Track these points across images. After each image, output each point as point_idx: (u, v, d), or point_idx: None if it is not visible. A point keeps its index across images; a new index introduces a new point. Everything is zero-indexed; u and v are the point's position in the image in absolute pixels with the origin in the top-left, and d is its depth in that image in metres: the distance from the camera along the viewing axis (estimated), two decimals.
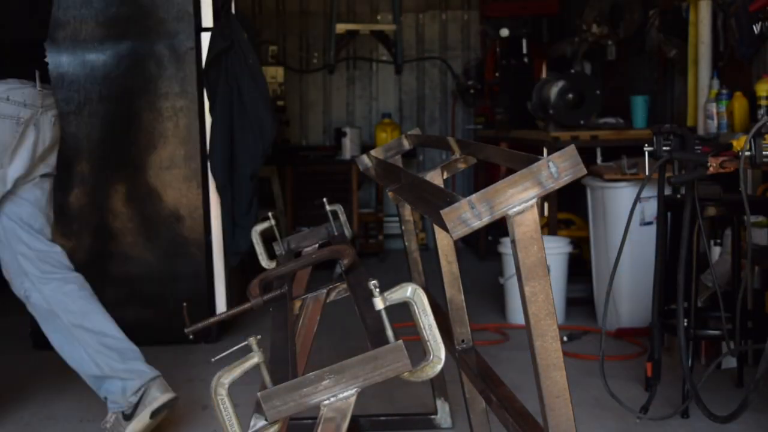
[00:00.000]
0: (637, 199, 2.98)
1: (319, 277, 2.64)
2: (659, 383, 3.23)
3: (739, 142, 2.81)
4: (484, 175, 6.91)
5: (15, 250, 2.85)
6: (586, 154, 4.85)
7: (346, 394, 1.37)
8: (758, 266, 3.66)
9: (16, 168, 2.77)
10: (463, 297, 2.31)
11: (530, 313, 1.36)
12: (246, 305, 2.05)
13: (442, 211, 1.30)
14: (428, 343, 1.45)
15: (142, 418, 2.72)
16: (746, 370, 3.51)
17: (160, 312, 4.21)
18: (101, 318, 2.88)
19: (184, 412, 3.24)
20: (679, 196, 3.39)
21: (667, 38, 4.80)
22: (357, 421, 3.01)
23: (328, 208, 2.29)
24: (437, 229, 2.21)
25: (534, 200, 1.32)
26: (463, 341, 2.32)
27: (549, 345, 1.37)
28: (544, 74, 5.91)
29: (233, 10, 4.32)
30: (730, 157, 2.89)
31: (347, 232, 2.27)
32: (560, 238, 4.78)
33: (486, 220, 1.31)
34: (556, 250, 4.52)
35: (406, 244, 2.92)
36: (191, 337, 1.99)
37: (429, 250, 6.78)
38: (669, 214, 3.47)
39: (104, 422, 2.85)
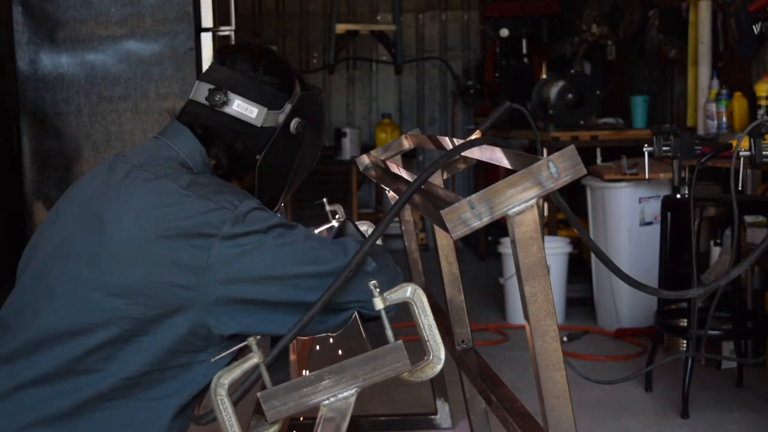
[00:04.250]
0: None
1: None
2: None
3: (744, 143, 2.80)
4: (484, 175, 6.91)
5: None
6: (586, 154, 4.85)
7: (346, 394, 1.37)
8: (758, 266, 3.66)
9: None
10: (463, 297, 2.31)
11: (530, 313, 1.36)
12: None
13: (442, 211, 1.30)
14: (428, 344, 1.44)
15: None
16: (746, 371, 3.51)
17: None
18: None
19: None
20: (679, 196, 3.39)
21: (667, 38, 4.80)
22: (357, 421, 3.01)
23: (328, 208, 2.28)
24: (437, 229, 2.21)
25: (534, 200, 1.32)
26: (463, 341, 2.32)
27: (549, 345, 1.37)
28: (544, 74, 5.91)
29: (232, 10, 4.31)
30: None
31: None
32: (560, 238, 4.78)
33: (486, 220, 1.31)
34: (556, 250, 4.52)
35: (406, 244, 2.92)
36: None
37: (429, 250, 6.78)
38: (669, 214, 3.47)
39: None
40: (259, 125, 1.70)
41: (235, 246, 1.50)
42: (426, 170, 1.54)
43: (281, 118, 1.72)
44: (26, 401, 1.52)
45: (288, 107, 1.74)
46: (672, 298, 3.58)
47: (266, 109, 1.70)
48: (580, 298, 4.80)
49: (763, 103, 3.71)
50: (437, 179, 2.14)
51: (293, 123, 1.74)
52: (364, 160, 2.69)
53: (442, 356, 1.45)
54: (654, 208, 4.22)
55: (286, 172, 1.76)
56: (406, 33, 7.73)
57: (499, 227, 6.35)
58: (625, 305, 4.31)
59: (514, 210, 1.32)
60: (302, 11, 7.83)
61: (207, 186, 1.58)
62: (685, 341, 3.68)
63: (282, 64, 1.77)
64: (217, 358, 1.48)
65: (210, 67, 1.74)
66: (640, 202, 4.28)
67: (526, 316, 1.37)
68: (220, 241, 1.49)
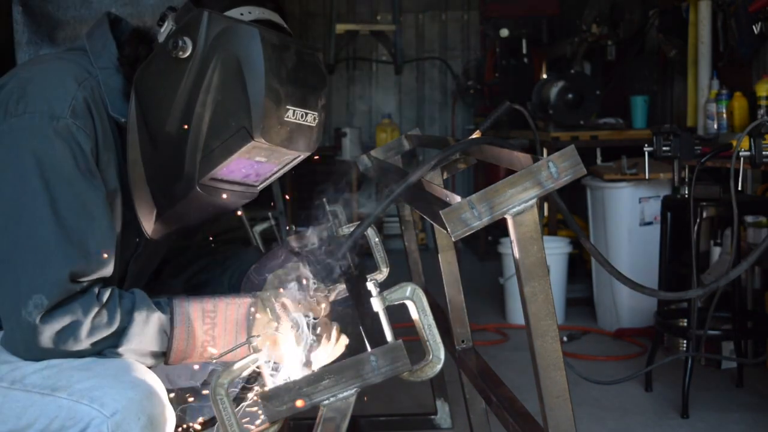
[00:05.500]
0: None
1: None
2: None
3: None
4: (484, 175, 6.91)
5: None
6: (586, 154, 4.85)
7: (345, 394, 1.37)
8: (758, 266, 3.66)
9: None
10: (463, 297, 2.31)
11: (530, 313, 1.36)
12: None
13: (442, 212, 1.29)
14: (428, 344, 1.44)
15: None
16: (746, 371, 3.51)
17: None
18: None
19: None
20: (679, 196, 3.39)
21: (667, 38, 4.80)
22: (357, 421, 3.01)
23: (328, 208, 2.28)
24: (437, 229, 2.21)
25: (534, 200, 1.32)
26: (463, 341, 2.32)
27: (549, 345, 1.37)
28: (544, 74, 5.91)
29: None
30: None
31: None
32: (560, 238, 4.78)
33: (486, 220, 1.31)
34: (556, 250, 4.52)
35: (406, 244, 2.92)
36: None
37: (429, 250, 6.78)
38: (669, 214, 3.47)
39: None
40: (160, 41, 1.51)
41: None
42: (421, 167, 1.54)
43: (162, 32, 1.51)
44: None
45: (170, 21, 1.51)
46: (670, 300, 3.58)
47: (174, 24, 1.50)
48: (580, 298, 4.80)
49: (763, 103, 3.71)
50: (437, 179, 2.13)
51: (170, 41, 1.45)
52: (365, 160, 2.69)
53: (442, 356, 1.45)
54: (654, 208, 4.22)
55: (168, 102, 1.46)
56: (406, 33, 7.73)
57: (499, 227, 6.34)
58: (625, 305, 4.31)
59: (514, 210, 1.32)
60: (302, 11, 7.83)
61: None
62: (685, 341, 3.68)
63: None
64: (217, 357, 1.48)
65: None
66: (640, 202, 4.28)
67: (526, 316, 1.37)
68: None
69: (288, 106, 1.45)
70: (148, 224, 1.55)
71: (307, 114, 1.48)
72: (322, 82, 1.52)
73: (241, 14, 1.50)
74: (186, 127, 1.45)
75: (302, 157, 1.54)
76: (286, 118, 1.45)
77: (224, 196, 1.52)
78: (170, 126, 1.46)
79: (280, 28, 1.54)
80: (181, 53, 1.44)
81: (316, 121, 1.50)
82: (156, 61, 1.49)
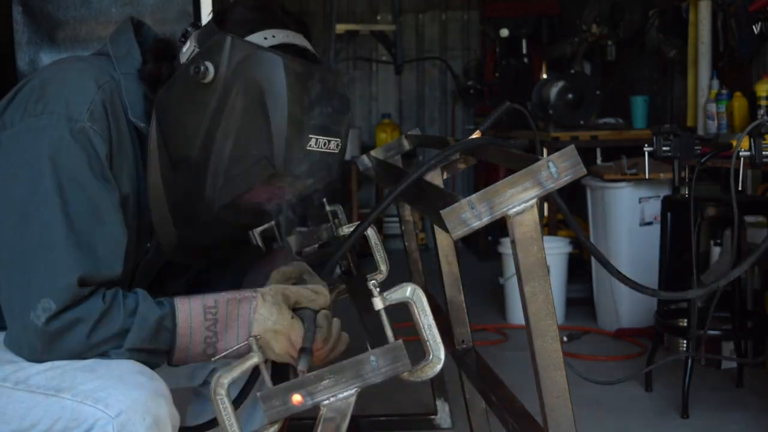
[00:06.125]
0: None
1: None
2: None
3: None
4: (484, 175, 6.91)
5: None
6: (586, 154, 4.85)
7: (345, 394, 1.37)
8: (758, 266, 3.67)
9: None
10: (463, 297, 2.31)
11: (530, 313, 1.36)
12: None
13: (442, 211, 1.30)
14: (428, 344, 1.44)
15: None
16: (746, 371, 3.51)
17: None
18: None
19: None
20: (679, 196, 3.39)
21: (667, 38, 4.80)
22: (357, 421, 3.01)
23: (328, 208, 2.28)
24: (437, 229, 2.21)
25: (534, 200, 1.32)
26: (463, 341, 2.32)
27: (549, 345, 1.37)
28: (544, 74, 5.91)
29: None
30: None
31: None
32: (560, 238, 4.78)
33: (486, 220, 1.31)
34: (556, 250, 4.52)
35: (406, 244, 2.92)
36: None
37: (429, 250, 6.78)
38: (669, 214, 3.47)
39: None
40: (182, 61, 1.49)
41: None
42: (421, 167, 1.54)
43: (184, 52, 1.49)
44: None
45: (192, 41, 1.48)
46: (671, 299, 3.58)
47: (196, 46, 1.47)
48: (580, 298, 4.80)
49: (763, 103, 3.71)
50: (437, 179, 2.13)
51: (192, 66, 1.42)
52: (365, 160, 2.69)
53: (442, 356, 1.45)
54: (654, 208, 4.22)
55: (189, 127, 1.44)
56: (406, 33, 7.73)
57: (499, 227, 6.32)
58: (625, 305, 4.31)
59: (514, 210, 1.32)
60: (302, 11, 7.82)
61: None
62: (685, 341, 3.68)
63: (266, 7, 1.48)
64: (217, 357, 1.48)
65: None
66: (640, 202, 4.29)
67: (526, 316, 1.37)
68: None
69: (311, 135, 1.43)
70: (169, 246, 1.56)
71: (330, 141, 1.47)
72: (346, 108, 1.50)
73: (265, 38, 1.47)
74: (207, 153, 1.44)
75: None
76: (308, 148, 1.44)
77: (245, 219, 1.53)
78: (191, 151, 1.46)
79: (305, 50, 1.52)
80: (203, 78, 1.43)
81: (339, 147, 1.49)
82: (177, 84, 1.48)
